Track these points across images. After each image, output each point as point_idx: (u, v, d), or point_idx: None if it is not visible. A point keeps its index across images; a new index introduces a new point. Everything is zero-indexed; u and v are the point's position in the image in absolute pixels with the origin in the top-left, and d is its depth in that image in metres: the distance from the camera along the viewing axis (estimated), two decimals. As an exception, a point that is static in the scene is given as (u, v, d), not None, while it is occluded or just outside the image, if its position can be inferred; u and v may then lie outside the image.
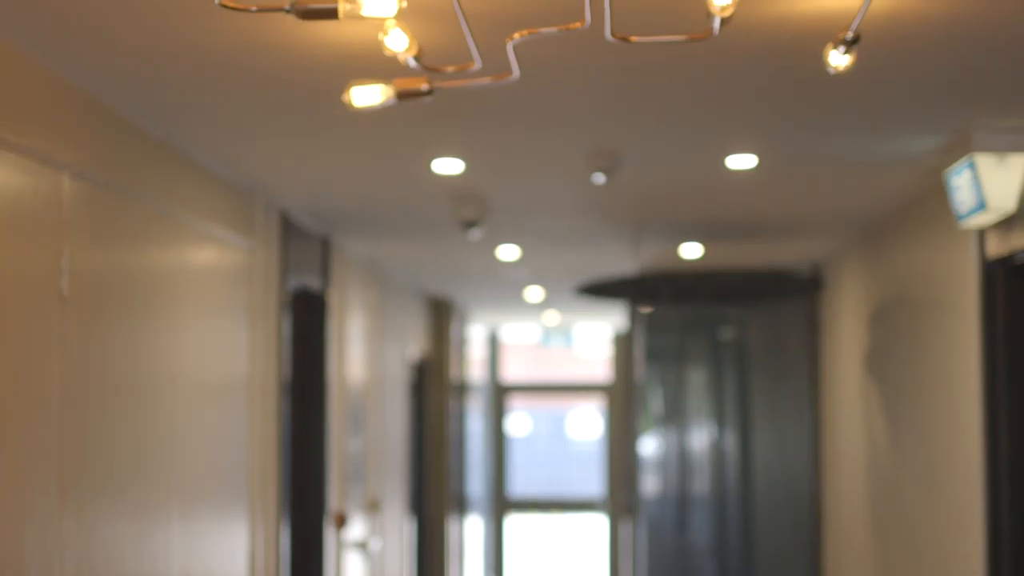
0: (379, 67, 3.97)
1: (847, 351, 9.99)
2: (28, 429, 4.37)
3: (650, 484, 13.25)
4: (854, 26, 3.32)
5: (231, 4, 3.30)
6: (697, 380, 13.42)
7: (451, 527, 15.58)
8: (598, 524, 21.44)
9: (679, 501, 13.17)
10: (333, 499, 9.11)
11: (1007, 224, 5.80)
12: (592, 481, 22.77)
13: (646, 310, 13.03)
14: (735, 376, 13.01)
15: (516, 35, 3.52)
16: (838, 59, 3.46)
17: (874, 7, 3.74)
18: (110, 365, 5.14)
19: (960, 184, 5.79)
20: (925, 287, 7.40)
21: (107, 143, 5.14)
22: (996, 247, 5.95)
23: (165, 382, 5.80)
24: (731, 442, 12.92)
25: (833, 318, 10.74)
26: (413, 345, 13.93)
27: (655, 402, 13.50)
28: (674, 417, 13.41)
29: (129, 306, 5.38)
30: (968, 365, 6.35)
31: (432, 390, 15.28)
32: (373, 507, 10.85)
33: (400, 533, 12.79)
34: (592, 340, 22.91)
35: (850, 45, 3.38)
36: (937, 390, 7.14)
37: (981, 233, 6.12)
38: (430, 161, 6.46)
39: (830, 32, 3.52)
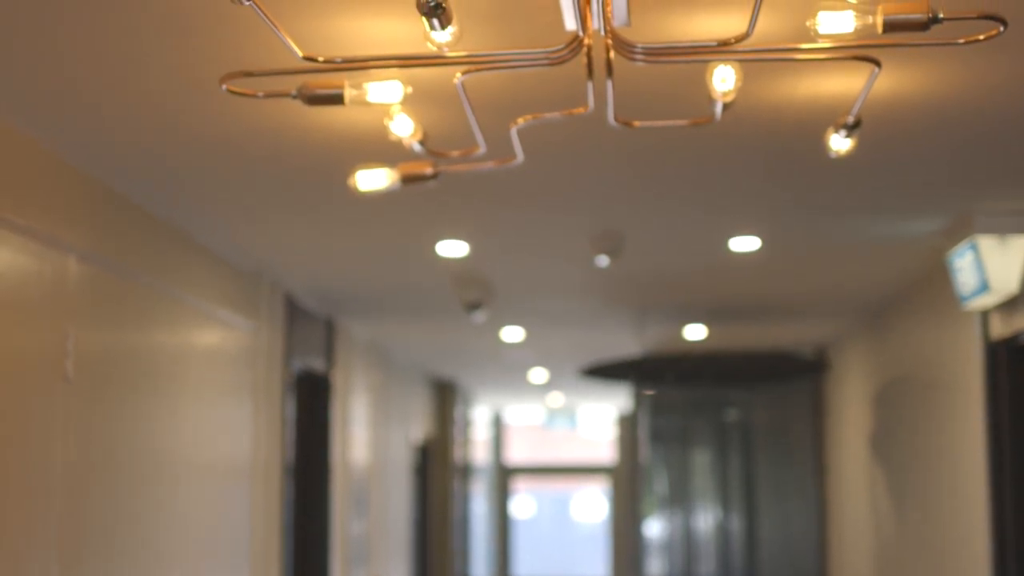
0: (384, 151, 4.00)
1: (852, 432, 9.96)
2: (31, 508, 4.36)
3: (655, 566, 13.15)
4: (855, 111, 3.35)
5: (238, 90, 3.34)
6: (702, 462, 13.36)
7: (455, 610, 15.44)
8: (603, 608, 21.24)
9: (685, 584, 13.07)
10: (336, 582, 9.05)
11: (1010, 306, 5.81)
12: (596, 563, 22.59)
13: (650, 392, 13.01)
14: (740, 458, 12.96)
15: (520, 120, 3.55)
16: (839, 143, 3.49)
17: (874, 92, 3.78)
18: (113, 446, 5.13)
19: (962, 266, 5.80)
20: (929, 368, 7.39)
21: (113, 225, 5.17)
22: (999, 328, 5.96)
23: (168, 463, 5.79)
24: (736, 523, 12.84)
25: (837, 399, 10.72)
26: (417, 427, 13.89)
27: (660, 484, 13.44)
28: (679, 499, 13.34)
29: (133, 387, 5.38)
30: (973, 445, 6.33)
31: (436, 472, 15.21)
32: (376, 590, 10.77)
33: (403, 617, 12.68)
34: (596, 422, 22.84)
35: (851, 129, 3.40)
36: (942, 470, 7.11)
37: (984, 315, 6.13)
38: (435, 244, 6.48)
39: (831, 117, 3.55)
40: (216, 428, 6.55)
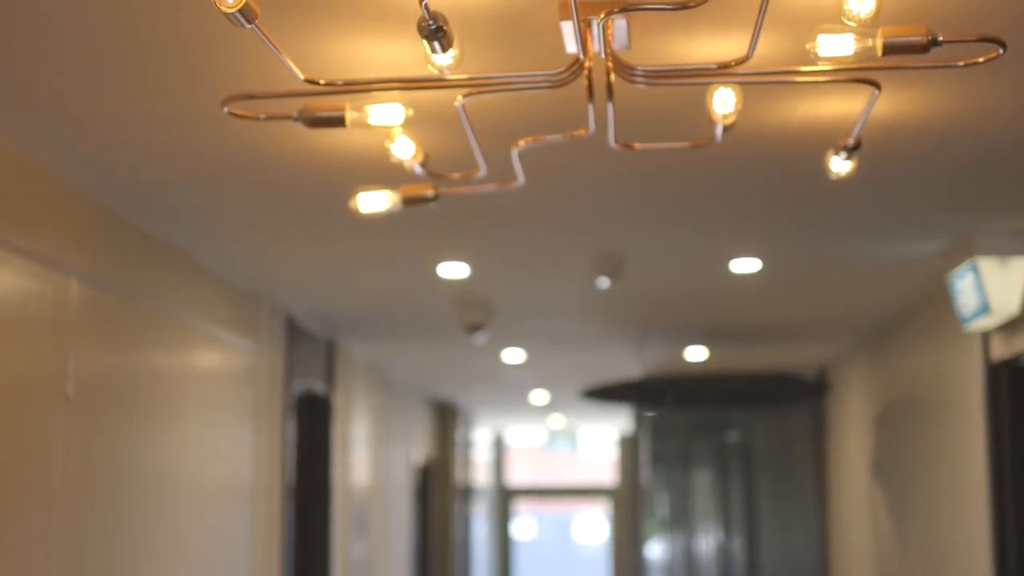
0: (385, 174, 4.00)
1: (853, 453, 9.95)
2: (31, 529, 4.35)
3: (656, 588, 13.13)
4: (855, 133, 3.36)
5: (239, 112, 3.34)
6: (703, 483, 13.35)
7: (456, 633, 15.41)
8: (604, 630, 21.18)
9: (686, 606, 13.04)
10: (337, 605, 9.03)
11: (1011, 327, 5.81)
12: (598, 586, 22.54)
13: (651, 414, 13.00)
14: (741, 479, 12.95)
15: (521, 142, 3.56)
16: (839, 165, 3.49)
17: (874, 114, 3.79)
18: (113, 467, 5.13)
19: (963, 287, 5.81)
20: (930, 389, 7.39)
21: (115, 247, 5.18)
22: (1000, 350, 5.96)
23: (168, 484, 5.79)
24: (737, 545, 12.82)
25: (838, 421, 10.71)
26: (417, 449, 13.88)
27: (661, 506, 13.42)
28: (680, 520, 13.32)
29: (134, 409, 5.38)
30: (974, 466, 6.33)
31: (437, 494, 15.19)
32: (377, 613, 10.75)
33: (404, 639, 12.65)
34: (597, 443, 22.81)
35: (851, 151, 3.41)
36: (943, 491, 7.10)
37: (985, 336, 6.13)
38: (436, 265, 6.49)
39: (831, 139, 3.56)
40: (217, 449, 6.55)
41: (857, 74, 3.06)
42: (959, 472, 6.70)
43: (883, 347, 8.66)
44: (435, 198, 3.65)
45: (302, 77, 2.91)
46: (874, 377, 9.05)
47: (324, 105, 3.11)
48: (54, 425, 4.54)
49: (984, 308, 5.63)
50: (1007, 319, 5.71)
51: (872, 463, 9.11)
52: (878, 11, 2.44)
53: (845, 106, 3.81)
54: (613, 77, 3.06)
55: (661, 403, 12.19)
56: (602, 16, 2.70)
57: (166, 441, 5.76)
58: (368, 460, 10.58)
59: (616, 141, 3.48)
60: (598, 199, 5.19)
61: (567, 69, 2.97)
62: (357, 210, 3.72)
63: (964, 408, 6.52)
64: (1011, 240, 5.60)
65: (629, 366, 10.91)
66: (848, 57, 2.67)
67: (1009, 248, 5.60)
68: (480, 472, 19.16)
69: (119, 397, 5.22)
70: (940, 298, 6.55)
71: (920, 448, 7.65)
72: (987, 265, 5.59)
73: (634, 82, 3.03)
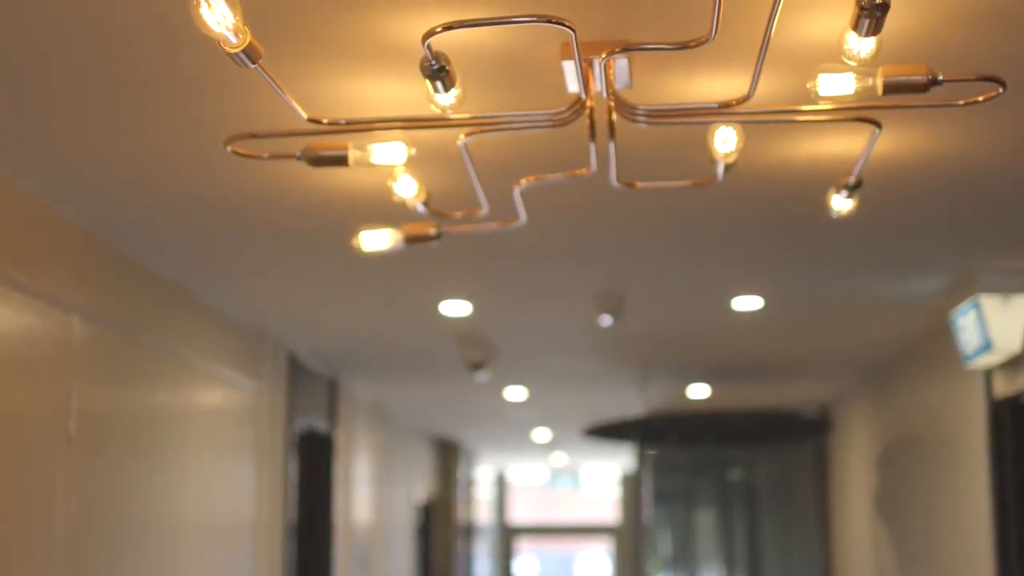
0: (388, 212, 4.01)
1: (856, 491, 9.92)
2: (32, 567, 4.34)
3: (659, 628, 13.08)
4: (856, 171, 3.36)
5: (243, 151, 3.36)
6: (705, 521, 13.31)
7: (457, 672, 15.33)
8: (607, 669, 21.08)
9: (689, 645, 12.99)
10: (338, 644, 8.99)
11: (1013, 364, 5.80)
12: (600, 625, 22.44)
13: (653, 451, 12.97)
14: (744, 517, 12.91)
15: (523, 181, 3.57)
16: (841, 203, 3.50)
17: (876, 152, 3.80)
18: (115, 505, 5.12)
19: (965, 325, 5.81)
20: (933, 427, 7.38)
21: (117, 285, 5.18)
22: (1003, 387, 5.95)
23: (170, 522, 5.77)
24: (741, 584, 12.77)
25: (841, 458, 10.69)
26: (419, 486, 13.84)
27: (663, 544, 13.38)
28: (683, 558, 13.27)
29: (136, 446, 5.38)
30: (978, 504, 6.31)
31: (439, 532, 15.15)
32: (378, 652, 10.70)
33: None
34: (600, 481, 22.75)
35: (852, 190, 3.42)
36: (947, 529, 7.08)
37: (988, 373, 6.12)
38: (438, 303, 6.49)
39: (832, 177, 3.57)
40: (218, 487, 6.54)
41: (858, 113, 3.07)
42: (962, 510, 6.68)
43: (886, 385, 8.65)
44: (437, 237, 3.66)
45: (305, 116, 2.92)
46: (877, 415, 9.04)
47: (327, 144, 3.12)
48: (55, 462, 4.53)
49: (986, 346, 5.63)
50: (1009, 357, 5.71)
51: (875, 501, 9.09)
52: (878, 50, 2.45)
53: (846, 144, 3.82)
54: (615, 116, 3.07)
55: (663, 441, 12.18)
56: (604, 56, 2.71)
57: (168, 479, 5.75)
58: (370, 498, 10.55)
59: (618, 180, 3.49)
60: (600, 237, 5.20)
61: (569, 108, 2.98)
62: (359, 249, 3.72)
63: (967, 446, 6.51)
64: (1013, 278, 5.60)
65: (631, 404, 10.90)
66: (849, 96, 2.68)
67: (1011, 285, 5.60)
68: (482, 510, 19.11)
69: (121, 435, 5.21)
70: (942, 335, 6.55)
71: (923, 486, 7.63)
72: (989, 302, 5.60)
73: (636, 121, 3.04)
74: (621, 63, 2.98)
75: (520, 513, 21.93)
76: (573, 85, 2.99)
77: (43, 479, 4.45)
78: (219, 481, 6.55)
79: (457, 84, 2.68)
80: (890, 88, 2.64)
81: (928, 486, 7.51)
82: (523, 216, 3.76)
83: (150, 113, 3.58)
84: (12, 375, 4.20)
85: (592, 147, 3.23)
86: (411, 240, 3.66)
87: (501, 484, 20.72)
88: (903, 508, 8.17)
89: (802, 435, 11.58)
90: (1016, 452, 5.89)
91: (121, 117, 3.62)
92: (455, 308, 6.57)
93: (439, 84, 2.63)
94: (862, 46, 2.45)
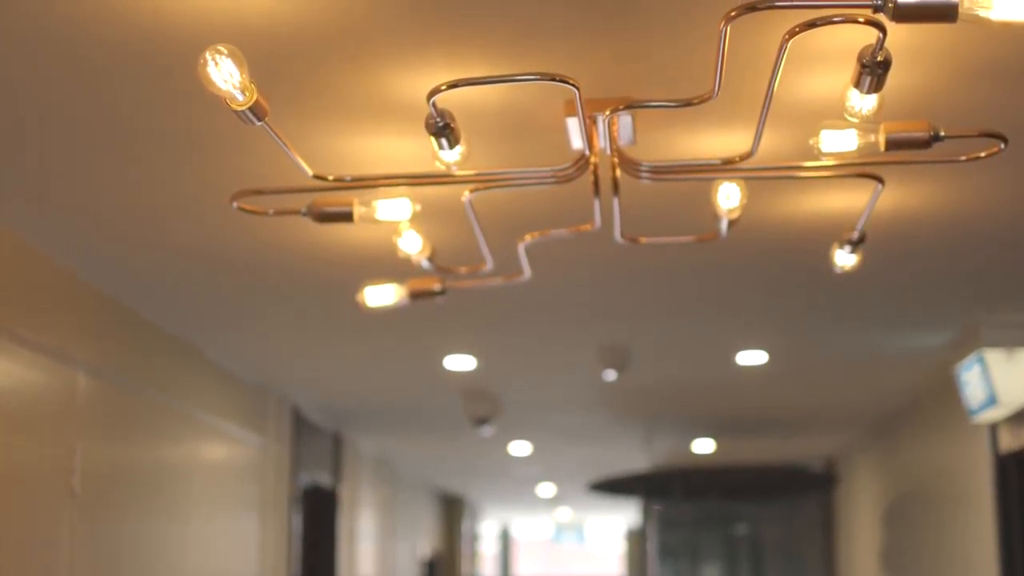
0: (393, 267, 4.02)
1: (862, 546, 9.87)
2: (36, 630, 4.32)
3: None
4: (859, 226, 3.37)
5: (248, 207, 3.37)
6: (711, 576, 13.24)
7: None
8: None
9: None
10: None
11: (1019, 418, 5.79)
12: None
13: (659, 506, 12.92)
14: (750, 572, 12.84)
15: (527, 237, 3.58)
16: (844, 258, 3.50)
17: (879, 207, 3.80)
18: (119, 561, 5.10)
19: (970, 379, 5.80)
20: (939, 482, 7.35)
21: (122, 340, 5.19)
22: (1009, 441, 5.93)
23: (174, 581, 5.75)
24: (747, 641, 12.68)
25: (847, 513, 10.64)
26: (424, 541, 13.78)
27: (669, 599, 13.29)
28: (689, 615, 13.18)
29: (140, 502, 5.37)
30: (985, 559, 6.27)
31: (443, 587, 15.07)
32: None
33: None
34: (605, 536, 22.65)
35: (856, 245, 3.42)
36: (954, 587, 7.04)
37: (993, 428, 6.11)
38: (442, 358, 6.49)
39: (836, 232, 3.58)
40: (223, 542, 6.51)
41: (860, 168, 3.08)
42: (969, 564, 6.64)
43: (891, 439, 8.63)
44: (442, 292, 3.67)
45: (310, 173, 2.93)
46: (882, 469, 9.01)
47: (332, 200, 3.13)
48: (60, 519, 4.52)
49: (992, 400, 5.62)
50: (1015, 411, 5.69)
51: (882, 555, 9.04)
52: (880, 107, 2.47)
53: (849, 200, 3.83)
54: (619, 172, 3.08)
55: (669, 496, 12.14)
56: (607, 113, 2.73)
57: (172, 534, 5.73)
58: (374, 553, 10.50)
59: (622, 235, 3.50)
60: (605, 292, 5.20)
61: (573, 165, 2.99)
62: (364, 304, 3.73)
63: (973, 500, 6.49)
64: (1017, 331, 5.60)
65: (636, 458, 10.87)
66: (851, 152, 2.69)
67: (1016, 339, 5.60)
68: (487, 565, 19.01)
69: (125, 490, 5.20)
70: (947, 390, 6.53)
71: (930, 540, 7.60)
72: (994, 357, 5.59)
73: (640, 177, 3.05)
74: (625, 120, 3.00)
75: (525, 568, 21.82)
76: (577, 142, 3.01)
77: (48, 536, 4.44)
78: (223, 536, 6.53)
79: (462, 141, 2.70)
80: (892, 144, 2.65)
81: (935, 540, 7.47)
82: (527, 271, 3.76)
83: (156, 169, 3.59)
84: (17, 431, 4.19)
85: (596, 203, 3.24)
86: (416, 295, 3.67)
87: (505, 539, 20.63)
88: (910, 562, 8.12)
89: (808, 489, 11.54)
90: (1023, 506, 5.87)
91: (127, 172, 3.63)
92: (459, 363, 6.57)
93: (444, 141, 2.65)
94: (864, 103, 2.46)
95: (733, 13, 2.12)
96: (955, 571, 7.00)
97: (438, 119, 2.58)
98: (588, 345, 6.22)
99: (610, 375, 6.44)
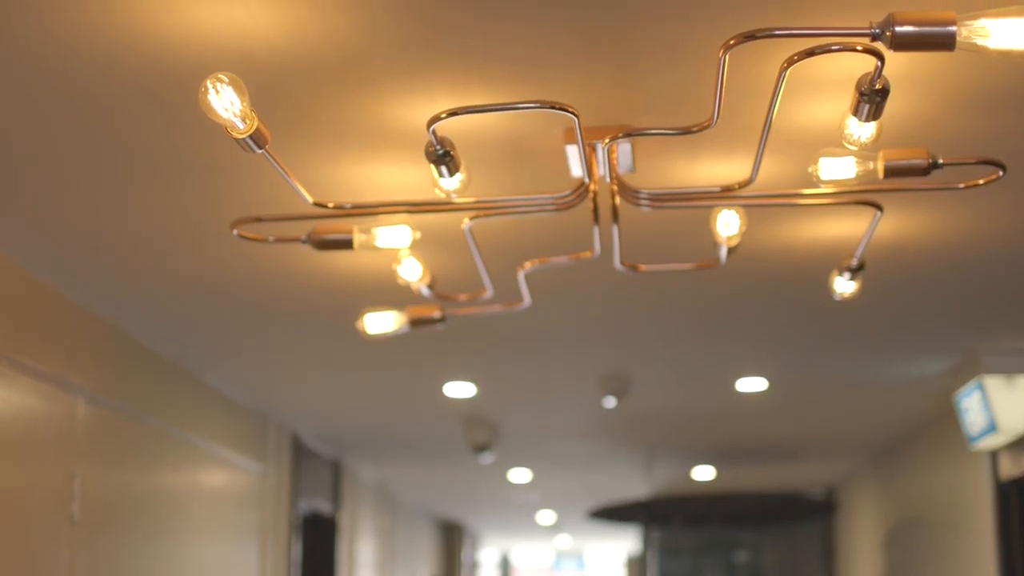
0: (393, 295, 4.03)
1: (862, 573, 9.85)
2: (34, 658, 4.31)
3: None
4: (858, 253, 3.38)
5: (249, 235, 3.37)
6: (712, 604, 13.20)
7: None
8: None
9: None
10: None
11: (1019, 445, 5.79)
12: None
13: (659, 534, 12.90)
14: (750, 600, 12.81)
15: (527, 264, 3.58)
16: (844, 286, 3.51)
17: (878, 234, 3.81)
18: (119, 591, 5.09)
19: (970, 406, 5.79)
20: (939, 509, 7.34)
21: (122, 367, 5.19)
22: (1009, 468, 5.93)
23: (173, 609, 5.74)
24: (748, 669, 12.64)
25: (848, 540, 10.62)
26: (424, 568, 13.75)
27: (669, 627, 13.25)
28: (689, 643, 13.14)
29: (139, 529, 5.36)
30: (986, 589, 6.27)
31: (443, 615, 15.02)
32: None
33: None
34: (605, 564, 22.59)
35: (855, 272, 3.43)
36: (955, 615, 7.02)
37: (993, 455, 6.10)
38: (442, 385, 6.49)
39: (835, 259, 3.58)
40: (222, 569, 6.50)
41: (859, 196, 3.09)
42: (970, 593, 6.63)
43: (891, 466, 8.62)
44: (442, 319, 3.67)
45: (311, 200, 2.94)
46: (883, 496, 8.99)
47: (332, 228, 3.13)
48: (59, 546, 4.51)
49: (992, 427, 5.62)
50: (1015, 437, 5.69)
51: (882, 584, 9.02)
52: (878, 135, 2.47)
53: (848, 227, 3.84)
54: (618, 200, 3.09)
55: (669, 523, 12.11)
56: (607, 141, 2.73)
57: (171, 561, 5.72)
58: (374, 581, 10.48)
59: (622, 262, 3.51)
60: (604, 320, 5.21)
61: (573, 192, 3.00)
62: (364, 331, 3.73)
63: (974, 527, 6.47)
64: (1017, 358, 5.60)
65: (636, 486, 10.86)
66: (850, 180, 2.70)
67: (1015, 366, 5.60)
68: (487, 593, 18.95)
69: (124, 517, 5.19)
70: (947, 417, 6.53)
71: (930, 568, 7.58)
72: (993, 384, 5.59)
73: (639, 205, 3.06)
74: (624, 148, 3.01)
75: (525, 596, 21.74)
76: (577, 169, 3.02)
77: (47, 563, 4.43)
78: (222, 563, 6.51)
79: (462, 168, 2.70)
80: (891, 172, 2.66)
81: (935, 567, 7.45)
82: (527, 299, 3.77)
83: (156, 196, 3.60)
84: (16, 457, 4.19)
85: (596, 230, 3.24)
86: (416, 323, 3.67)
87: (505, 567, 20.58)
88: (911, 591, 8.10)
89: (808, 517, 11.52)
90: (1023, 533, 5.86)
91: (127, 200, 3.64)
92: (459, 390, 6.57)
93: (444, 169, 2.66)
94: (862, 131, 2.47)
95: (732, 42, 2.13)
96: (956, 599, 6.99)
97: (438, 147, 2.59)
98: (588, 372, 6.22)
99: (610, 402, 6.44)
